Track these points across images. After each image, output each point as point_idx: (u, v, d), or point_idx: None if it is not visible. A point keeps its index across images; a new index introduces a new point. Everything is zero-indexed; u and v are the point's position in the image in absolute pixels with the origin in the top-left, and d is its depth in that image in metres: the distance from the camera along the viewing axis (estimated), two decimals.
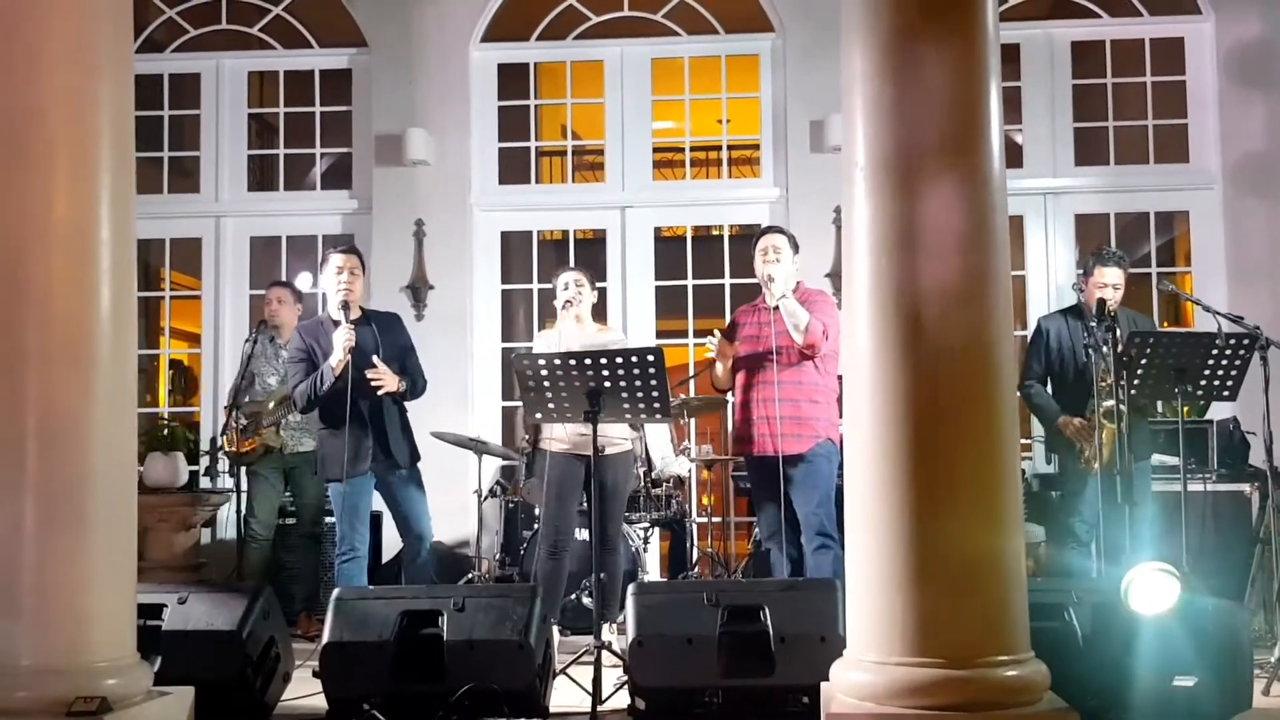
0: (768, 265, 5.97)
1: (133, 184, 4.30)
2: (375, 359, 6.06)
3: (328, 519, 7.48)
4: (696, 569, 7.73)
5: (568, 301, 6.26)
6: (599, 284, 8.49)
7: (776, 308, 5.91)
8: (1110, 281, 6.24)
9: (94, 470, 4.04)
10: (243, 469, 7.18)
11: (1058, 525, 6.74)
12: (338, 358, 5.93)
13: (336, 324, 6.06)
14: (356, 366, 5.97)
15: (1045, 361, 6.47)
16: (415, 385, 6.28)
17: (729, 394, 6.40)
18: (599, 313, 8.47)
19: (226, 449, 7.07)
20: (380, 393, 6.05)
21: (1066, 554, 6.39)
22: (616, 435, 6.22)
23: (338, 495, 6.12)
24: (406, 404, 6.29)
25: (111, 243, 4.14)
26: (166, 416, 9.43)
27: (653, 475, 7.34)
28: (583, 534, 6.58)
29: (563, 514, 6.20)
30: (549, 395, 5.14)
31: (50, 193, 4.07)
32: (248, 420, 7.04)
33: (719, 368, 6.11)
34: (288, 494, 7.39)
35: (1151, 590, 4.19)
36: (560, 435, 6.14)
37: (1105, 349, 5.49)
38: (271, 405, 7.10)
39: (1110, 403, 5.63)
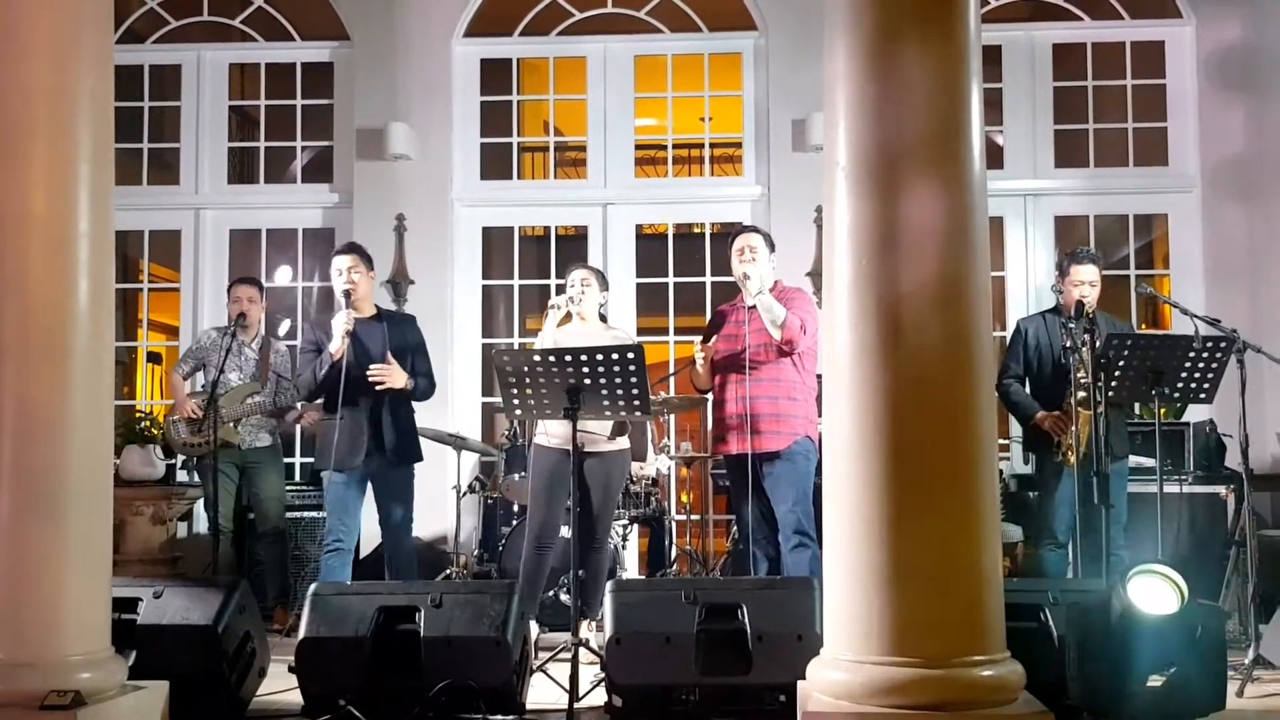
0: (744, 264, 5.98)
1: (111, 176, 4.29)
2: (389, 356, 6.16)
3: (289, 513, 7.53)
4: (675, 566, 7.73)
5: (570, 299, 6.20)
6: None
7: (754, 306, 5.92)
8: (1086, 279, 6.28)
9: (70, 464, 4.03)
10: (192, 460, 7.27)
11: (1035, 525, 6.77)
12: (335, 344, 6.04)
13: None
14: (360, 362, 6.08)
15: (1023, 361, 6.51)
16: (427, 387, 6.39)
17: (709, 393, 6.39)
18: None
19: (181, 437, 7.12)
20: (380, 388, 6.12)
21: (1043, 554, 6.41)
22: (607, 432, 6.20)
23: (330, 485, 6.19)
24: (414, 405, 6.41)
25: (90, 235, 4.13)
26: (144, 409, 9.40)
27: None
28: (566, 531, 6.56)
29: (552, 509, 6.13)
30: (529, 392, 5.14)
31: (28, 184, 4.07)
32: (204, 411, 7.03)
33: (699, 368, 6.11)
34: (243, 488, 7.41)
35: (1151, 593, 4.20)
36: (555, 430, 6.09)
37: (1084, 349, 5.52)
38: (236, 402, 7.14)
39: (1084, 393, 5.67)
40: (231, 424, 7.15)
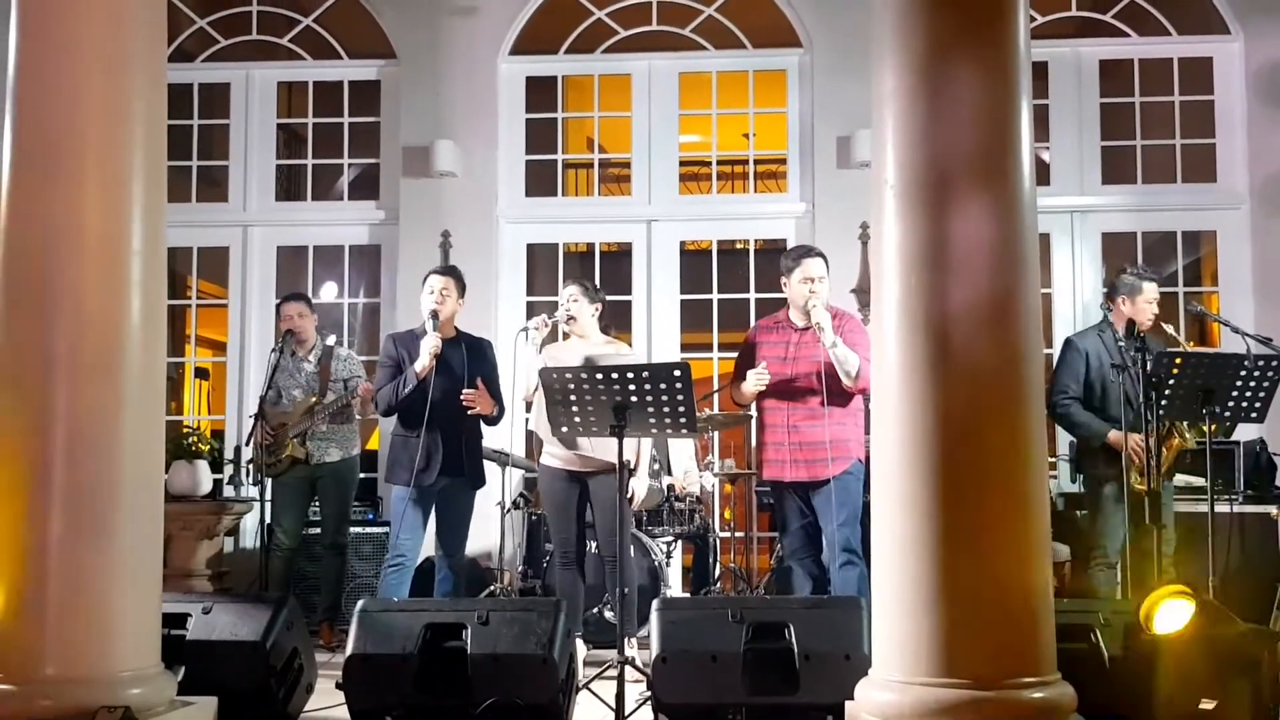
0: (815, 298, 5.79)
1: (164, 194, 4.34)
2: (479, 382, 6.30)
3: (353, 529, 7.54)
4: (719, 584, 7.71)
5: (571, 318, 6.32)
6: (623, 296, 8.51)
7: (805, 328, 5.83)
8: (1156, 297, 6.27)
9: (121, 479, 4.07)
10: (269, 479, 7.22)
11: (1085, 544, 6.68)
12: (423, 364, 6.18)
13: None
14: (442, 383, 6.20)
15: (1085, 381, 6.36)
16: (501, 412, 6.52)
17: (749, 409, 6.34)
18: (624, 324, 8.47)
19: (258, 459, 7.12)
20: (471, 412, 6.27)
21: (1093, 574, 6.34)
22: (610, 455, 6.18)
23: (398, 500, 6.29)
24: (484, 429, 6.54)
25: (143, 252, 4.18)
26: (192, 424, 9.48)
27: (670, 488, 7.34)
28: (594, 547, 6.59)
29: (564, 527, 6.25)
30: (575, 409, 5.14)
31: (82, 201, 4.11)
32: (274, 431, 7.08)
33: (746, 392, 6.01)
34: (314, 503, 7.41)
35: (1168, 613, 4.17)
36: (556, 450, 6.18)
37: (1135, 369, 5.46)
38: (298, 416, 7.15)
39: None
40: (296, 439, 7.16)
